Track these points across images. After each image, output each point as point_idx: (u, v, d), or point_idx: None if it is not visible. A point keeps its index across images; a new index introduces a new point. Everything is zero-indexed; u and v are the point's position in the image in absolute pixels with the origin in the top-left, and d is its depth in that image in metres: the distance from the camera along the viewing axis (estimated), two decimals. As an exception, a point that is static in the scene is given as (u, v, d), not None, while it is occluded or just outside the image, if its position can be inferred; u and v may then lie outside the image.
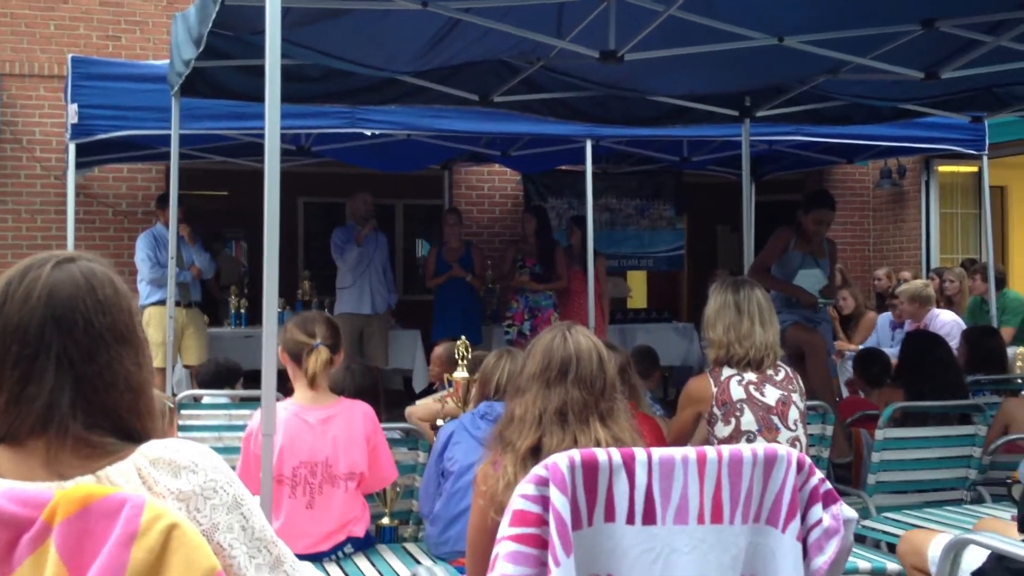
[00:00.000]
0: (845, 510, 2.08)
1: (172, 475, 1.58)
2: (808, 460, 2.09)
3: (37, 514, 1.36)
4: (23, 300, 1.54)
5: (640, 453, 2.00)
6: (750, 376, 3.78)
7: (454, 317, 8.45)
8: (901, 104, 6.32)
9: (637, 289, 13.25)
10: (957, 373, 5.56)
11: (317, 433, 3.69)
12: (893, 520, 4.53)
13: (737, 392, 3.76)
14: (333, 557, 3.68)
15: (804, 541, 2.06)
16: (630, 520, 1.98)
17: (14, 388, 1.52)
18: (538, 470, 1.95)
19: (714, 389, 3.78)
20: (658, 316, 10.41)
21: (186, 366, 8.12)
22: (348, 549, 3.73)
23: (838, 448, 5.16)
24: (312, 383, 3.72)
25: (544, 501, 1.92)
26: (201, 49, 4.38)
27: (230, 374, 5.91)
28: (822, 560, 2.04)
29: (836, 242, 7.17)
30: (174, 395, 5.69)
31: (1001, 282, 8.40)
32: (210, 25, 4.12)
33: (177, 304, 7.14)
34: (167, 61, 5.49)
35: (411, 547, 3.94)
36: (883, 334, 8.49)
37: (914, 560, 2.94)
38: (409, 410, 4.81)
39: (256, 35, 3.97)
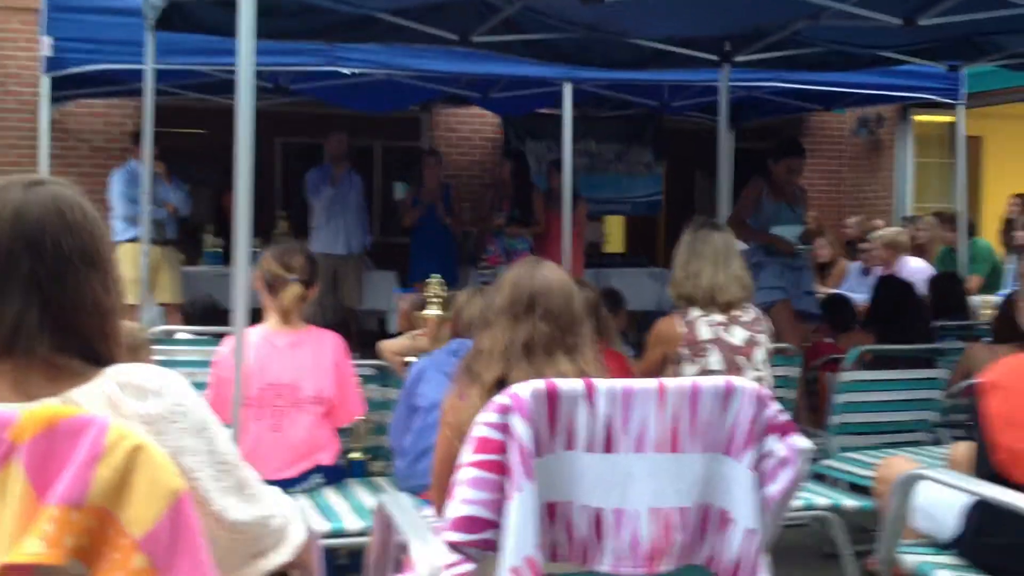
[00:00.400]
0: (799, 441, 2.14)
1: (138, 398, 1.60)
2: (767, 392, 2.14)
3: (3, 434, 1.39)
4: None
5: (601, 383, 2.05)
6: (718, 317, 3.84)
7: (431, 259, 8.43)
8: (879, 51, 6.33)
9: (614, 234, 13.28)
10: (926, 320, 5.69)
11: (285, 357, 3.75)
12: (853, 459, 4.64)
13: (704, 332, 3.82)
14: (302, 487, 3.75)
15: (758, 470, 2.12)
16: (590, 448, 2.03)
17: None
18: (501, 398, 2.00)
19: (682, 329, 3.84)
20: (634, 261, 10.45)
21: (160, 304, 8.12)
22: (317, 479, 3.79)
23: None
24: (284, 317, 3.77)
25: (506, 428, 1.97)
26: (176, -18, 4.34)
27: (218, 313, 5.92)
28: (775, 488, 2.10)
29: (808, 190, 7.24)
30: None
31: (972, 231, 8.48)
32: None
33: (152, 241, 7.12)
34: (143, -6, 5.42)
35: (380, 481, 4.01)
36: (854, 281, 8.59)
37: (883, 488, 2.97)
38: (381, 344, 4.85)
39: (231, -32, 3.93)
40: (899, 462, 3.17)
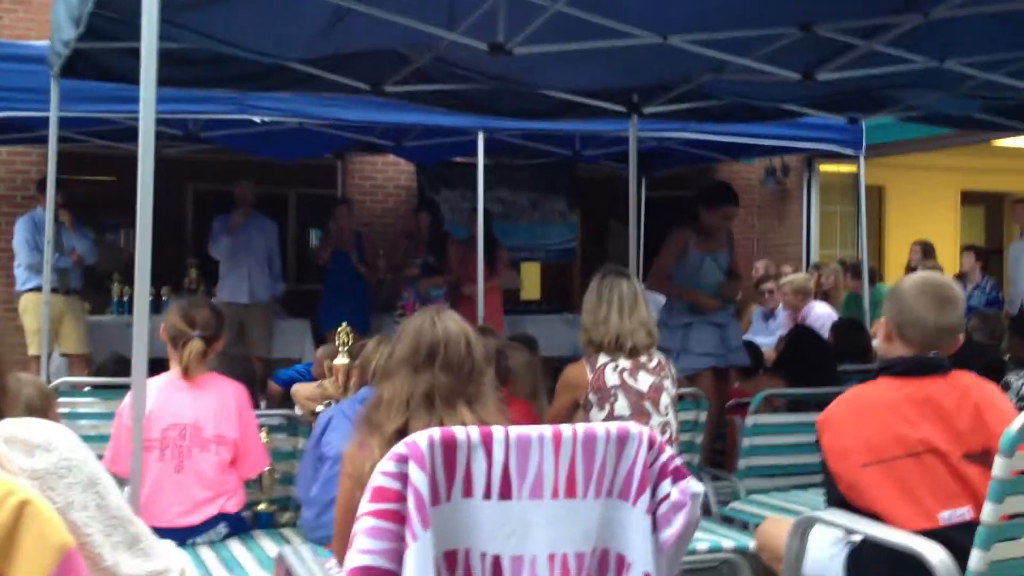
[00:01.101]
0: (692, 485, 2.18)
1: (26, 454, 1.58)
2: (659, 438, 2.19)
3: None
4: None
5: (498, 431, 2.07)
6: (623, 363, 3.90)
7: (343, 306, 8.42)
8: (781, 104, 6.52)
9: (530, 281, 13.37)
10: (834, 365, 5.85)
11: (187, 398, 3.78)
12: (760, 502, 4.72)
13: (611, 378, 3.87)
14: (205, 539, 3.69)
15: (654, 514, 2.16)
16: (487, 495, 2.05)
17: None
18: (398, 448, 2.00)
19: (590, 375, 3.89)
20: (549, 308, 10.54)
21: (63, 354, 7.94)
22: (221, 529, 3.75)
23: None
24: (185, 371, 3.76)
25: (403, 477, 1.97)
26: (81, 30, 4.29)
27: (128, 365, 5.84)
28: (670, 532, 2.14)
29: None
30: (49, 382, 5.57)
31: (874, 278, 8.76)
32: (91, 5, 4.04)
33: (55, 291, 6.97)
34: (50, 42, 5.35)
35: (287, 532, 3.96)
36: (758, 325, 8.77)
37: (771, 552, 3.10)
38: (295, 388, 4.84)
39: (139, 17, 3.91)
40: (778, 523, 3.28)
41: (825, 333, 7.00)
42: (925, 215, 12.92)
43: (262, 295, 8.63)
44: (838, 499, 2.79)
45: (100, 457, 1.74)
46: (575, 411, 4.04)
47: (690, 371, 5.82)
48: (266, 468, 4.01)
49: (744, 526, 4.57)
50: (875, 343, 7.29)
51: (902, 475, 2.71)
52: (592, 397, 3.87)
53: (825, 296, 8.99)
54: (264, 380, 6.51)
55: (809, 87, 5.72)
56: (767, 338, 8.17)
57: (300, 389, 4.92)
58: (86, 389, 5.36)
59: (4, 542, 1.36)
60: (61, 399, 4.70)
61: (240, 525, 3.87)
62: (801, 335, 6.14)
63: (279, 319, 9.07)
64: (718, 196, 6.30)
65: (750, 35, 5.05)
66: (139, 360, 3.20)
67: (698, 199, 6.37)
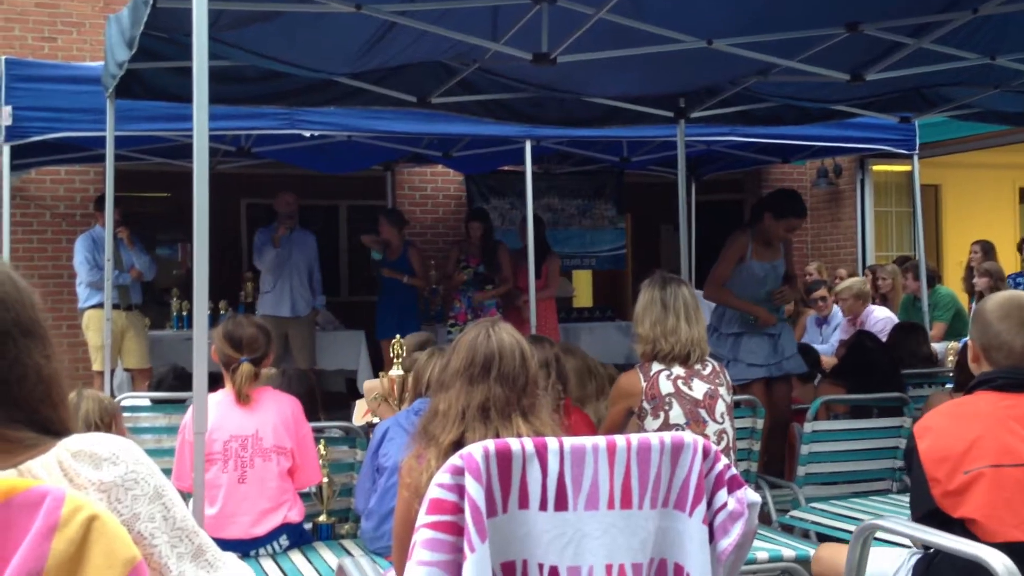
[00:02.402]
0: (749, 494, 2.16)
1: (93, 467, 1.61)
2: (714, 447, 2.18)
3: (-41, 509, 1.39)
4: None
5: (552, 442, 2.08)
6: (678, 370, 3.87)
7: (393, 317, 8.48)
8: (830, 105, 6.46)
9: (582, 288, 13.36)
10: (897, 371, 5.76)
11: (245, 411, 3.83)
12: (820, 510, 4.66)
13: (666, 386, 3.85)
14: (268, 550, 3.74)
15: (710, 524, 2.15)
16: (543, 506, 2.05)
17: None
18: (454, 460, 2.02)
19: (643, 384, 3.87)
20: (602, 315, 10.52)
21: (126, 369, 8.07)
22: (283, 541, 3.79)
23: None
24: (238, 397, 3.82)
25: (460, 490, 1.99)
26: (134, 51, 4.38)
27: (188, 379, 5.94)
28: (727, 542, 2.13)
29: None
30: (113, 397, 5.68)
31: (933, 279, 8.62)
32: (142, 27, 4.13)
33: (116, 307, 7.10)
34: (103, 63, 5.47)
35: (347, 543, 4.00)
36: (811, 331, 8.66)
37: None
38: (367, 384, 4.88)
39: (189, 36, 3.99)
40: (833, 548, 3.26)
41: (884, 337, 6.92)
42: (982, 214, 12.70)
43: (303, 308, 8.63)
44: (928, 507, 2.75)
45: (164, 470, 1.77)
46: (629, 419, 4.02)
47: (740, 381, 5.77)
48: (322, 481, 4.05)
49: (804, 534, 4.53)
50: (934, 347, 7.21)
51: (1005, 484, 2.69)
52: (646, 405, 3.85)
53: (883, 299, 8.86)
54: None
55: (858, 87, 5.66)
56: (821, 345, 8.08)
57: (372, 385, 4.96)
58: (147, 403, 5.44)
59: (73, 557, 1.39)
60: (123, 414, 4.80)
61: (301, 537, 3.91)
62: (862, 340, 6.06)
63: (333, 330, 9.13)
64: (787, 207, 6.06)
65: (796, 37, 5.02)
66: (200, 374, 3.25)
67: (765, 205, 6.15)
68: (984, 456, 2.72)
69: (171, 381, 6.08)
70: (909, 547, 3.05)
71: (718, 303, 6.26)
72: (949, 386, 5.68)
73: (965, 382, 4.93)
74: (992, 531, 2.63)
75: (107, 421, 3.59)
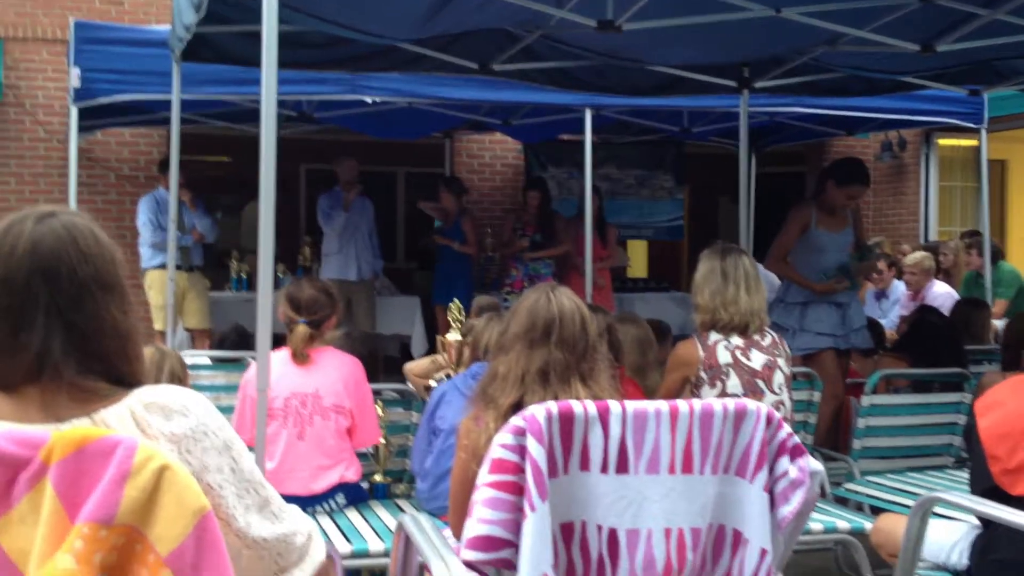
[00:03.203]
0: (811, 463, 2.16)
1: (164, 418, 1.66)
2: (777, 415, 2.17)
3: (35, 454, 1.44)
4: (8, 254, 1.62)
5: (615, 405, 2.09)
6: (736, 341, 3.86)
7: (450, 284, 8.54)
8: (898, 76, 6.34)
9: (637, 259, 13.31)
10: (960, 346, 5.67)
11: (306, 369, 3.89)
12: (876, 484, 4.64)
13: (724, 356, 3.83)
14: (325, 507, 3.81)
15: (771, 492, 2.15)
16: (604, 469, 2.07)
17: (6, 339, 1.59)
18: (516, 420, 2.04)
19: (701, 353, 3.86)
20: (657, 286, 10.47)
21: (187, 329, 8.21)
22: (340, 499, 3.85)
23: None
24: (294, 356, 3.86)
25: (522, 450, 2.01)
26: (202, 15, 4.42)
27: (248, 337, 6.02)
28: (788, 510, 2.13)
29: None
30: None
31: (996, 255, 8.45)
32: (211, -10, 4.17)
33: (178, 268, 7.21)
34: (170, 26, 5.53)
35: (403, 503, 4.05)
36: (869, 304, 8.54)
37: (890, 548, 3.06)
38: (407, 366, 4.93)
39: (257, 1, 4.02)
40: (893, 519, 3.23)
41: (945, 312, 6.81)
42: (1050, 191, 12.42)
43: (367, 272, 8.77)
44: (987, 485, 2.73)
45: (225, 428, 1.81)
46: (684, 388, 4.01)
47: (807, 350, 5.70)
48: (380, 441, 4.10)
49: (859, 507, 4.50)
50: (995, 323, 7.08)
51: None
52: (704, 375, 3.84)
53: (945, 275, 8.71)
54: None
55: (928, 59, 5.54)
56: (881, 319, 7.97)
57: (413, 367, 5.02)
58: (208, 362, 5.54)
59: (145, 505, 1.43)
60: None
61: (358, 495, 3.97)
62: (927, 315, 5.98)
63: (390, 295, 9.22)
64: (849, 174, 5.95)
65: (867, 6, 4.92)
66: (263, 333, 3.31)
67: (827, 174, 6.06)
68: None
69: (234, 338, 6.17)
70: (967, 522, 3.02)
71: (777, 274, 6.19)
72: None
73: (1011, 361, 4.90)
74: None
75: (184, 377, 3.68)
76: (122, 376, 1.67)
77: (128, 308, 1.70)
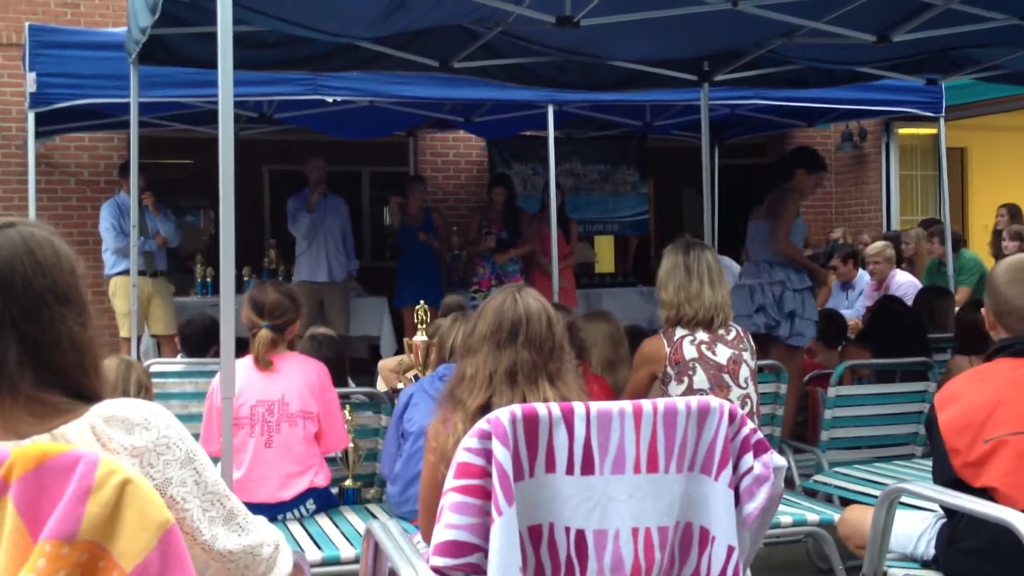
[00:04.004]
0: (775, 458, 2.17)
1: (126, 432, 1.64)
2: (740, 411, 2.18)
3: (-6, 472, 1.42)
4: None
5: (579, 407, 2.09)
6: (702, 335, 3.87)
7: (415, 283, 8.51)
8: (856, 67, 6.40)
9: (604, 254, 13.32)
10: (924, 334, 5.74)
11: (271, 376, 3.85)
12: (844, 475, 4.67)
13: (689, 351, 3.85)
14: (295, 514, 3.79)
15: (736, 488, 2.16)
16: (569, 471, 2.07)
17: None
18: (481, 424, 2.03)
19: (667, 349, 3.87)
20: (624, 281, 10.50)
21: (153, 335, 8.14)
22: (310, 505, 3.83)
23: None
24: (256, 361, 3.83)
25: (487, 454, 2.00)
26: (156, 16, 4.38)
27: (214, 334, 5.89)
28: (753, 506, 2.14)
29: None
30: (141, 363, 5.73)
31: (958, 244, 8.54)
32: (165, -8, 4.12)
33: (142, 273, 7.14)
34: (126, 29, 5.47)
35: (374, 508, 4.03)
36: (836, 296, 8.62)
37: (858, 540, 3.08)
38: (381, 363, 4.93)
39: (212, 1, 3.99)
40: (860, 510, 3.26)
41: (908, 302, 6.88)
42: (1010, 177, 12.53)
43: (339, 274, 8.69)
44: (950, 477, 2.74)
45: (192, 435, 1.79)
46: (652, 385, 4.02)
47: (806, 340, 5.84)
48: (348, 446, 4.08)
49: (828, 499, 4.53)
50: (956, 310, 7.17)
51: None
52: (670, 371, 3.85)
53: (908, 263, 8.80)
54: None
55: (885, 49, 5.60)
56: (847, 310, 8.04)
57: (387, 363, 5.00)
58: (176, 369, 5.49)
59: (108, 520, 1.41)
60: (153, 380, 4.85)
61: (328, 501, 3.95)
62: (888, 305, 6.05)
63: (358, 296, 9.17)
64: (818, 161, 6.35)
65: (822, -3, 4.96)
66: (227, 340, 3.28)
67: (795, 162, 6.33)
68: (1004, 423, 2.69)
69: (196, 333, 5.98)
70: (934, 511, 3.05)
71: (791, 259, 6.23)
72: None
73: (966, 348, 4.97)
74: (1013, 499, 2.61)
75: (149, 387, 3.65)
76: (80, 389, 1.65)
77: (87, 320, 1.68)
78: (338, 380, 4.50)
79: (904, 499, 3.04)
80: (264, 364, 3.85)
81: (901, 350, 5.32)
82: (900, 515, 2.89)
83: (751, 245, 6.41)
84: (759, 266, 6.21)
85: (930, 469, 4.23)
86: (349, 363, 8.58)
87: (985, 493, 2.65)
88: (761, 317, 5.95)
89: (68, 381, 1.62)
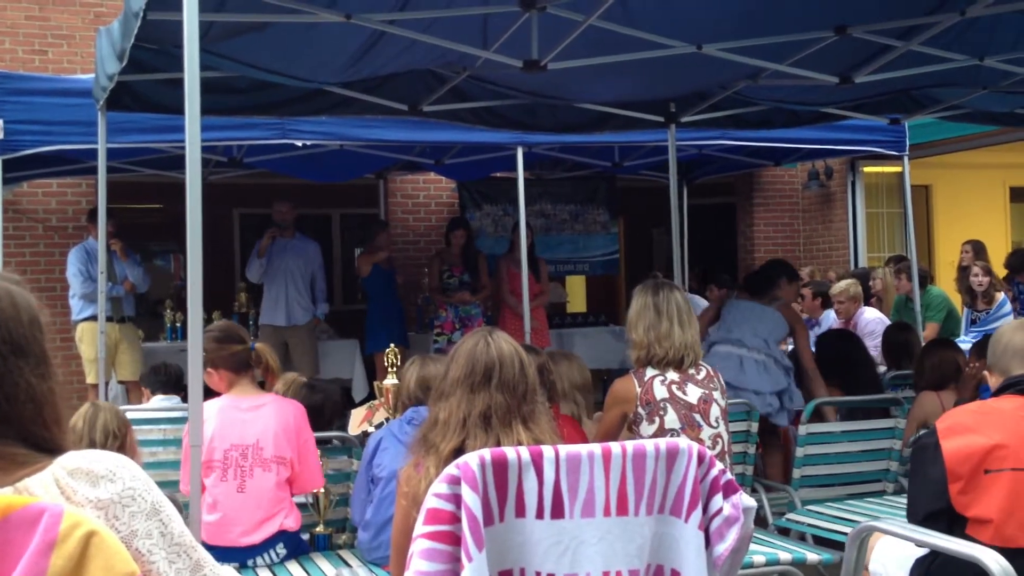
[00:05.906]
0: (744, 499, 2.17)
1: (90, 484, 1.61)
2: (709, 453, 2.19)
3: (-43, 526, 1.40)
4: None
5: (548, 450, 2.08)
6: (672, 375, 3.88)
7: (384, 327, 8.50)
8: (820, 108, 6.49)
9: (575, 294, 13.37)
10: (872, 369, 5.79)
11: (247, 418, 3.84)
12: (816, 512, 4.67)
13: (660, 392, 3.85)
14: (265, 559, 3.74)
15: (706, 530, 2.16)
16: (539, 515, 2.06)
17: None
18: (450, 469, 2.02)
19: (638, 389, 3.88)
20: (595, 320, 10.52)
21: (120, 382, 8.06)
22: (280, 550, 3.79)
23: None
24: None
25: (457, 499, 1.99)
26: (124, 63, 4.38)
27: (178, 379, 5.85)
28: (723, 547, 2.13)
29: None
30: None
31: (925, 280, 8.63)
32: (133, 39, 4.12)
33: (109, 319, 7.08)
34: (94, 75, 5.47)
35: (345, 554, 3.99)
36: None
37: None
38: (354, 413, 4.92)
39: (180, 48, 4.00)
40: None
41: (876, 339, 6.93)
42: (974, 214, 12.73)
43: (300, 317, 8.57)
44: (936, 506, 2.82)
45: (159, 483, 1.77)
46: (623, 425, 4.02)
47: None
48: (320, 488, 4.05)
49: (801, 537, 4.53)
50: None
51: None
52: (641, 411, 3.86)
53: (877, 300, 8.87)
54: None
55: (847, 90, 5.69)
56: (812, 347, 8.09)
57: (356, 413, 4.97)
58: (151, 415, 5.42)
59: (72, 573, 1.39)
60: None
61: (298, 546, 3.91)
62: (827, 341, 6.16)
63: (329, 339, 9.11)
64: (795, 272, 6.60)
65: (785, 40, 5.03)
66: (195, 385, 3.25)
67: (779, 273, 6.32)
68: (1009, 459, 2.79)
69: (151, 378, 5.93)
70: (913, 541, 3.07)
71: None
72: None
73: (933, 384, 5.05)
74: (1004, 530, 2.67)
75: (123, 431, 3.59)
76: (40, 442, 1.62)
77: (47, 372, 1.66)
78: (322, 424, 4.51)
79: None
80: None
81: (855, 387, 5.37)
82: (882, 546, 2.90)
83: (737, 325, 6.04)
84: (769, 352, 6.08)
85: (902, 506, 4.28)
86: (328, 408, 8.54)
87: (968, 524, 2.69)
88: (775, 401, 5.75)
89: (26, 433, 1.60)
